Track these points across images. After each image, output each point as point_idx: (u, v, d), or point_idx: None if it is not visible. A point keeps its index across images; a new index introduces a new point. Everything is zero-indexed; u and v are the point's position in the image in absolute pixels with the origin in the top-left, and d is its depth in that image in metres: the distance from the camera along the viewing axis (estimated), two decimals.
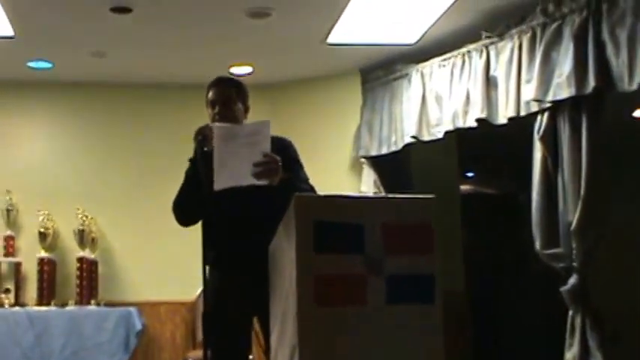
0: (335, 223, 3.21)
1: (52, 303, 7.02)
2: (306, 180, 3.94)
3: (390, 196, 4.01)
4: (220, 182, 3.64)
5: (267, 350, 3.77)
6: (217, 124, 3.85)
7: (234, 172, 3.63)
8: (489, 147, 7.84)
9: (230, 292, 3.91)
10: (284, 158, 3.68)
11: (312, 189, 3.88)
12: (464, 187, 8.62)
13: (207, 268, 3.94)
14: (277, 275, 3.51)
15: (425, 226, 3.27)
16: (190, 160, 3.99)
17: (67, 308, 6.97)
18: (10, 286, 7.11)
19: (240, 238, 3.89)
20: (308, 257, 3.15)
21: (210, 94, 4.02)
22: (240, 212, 3.87)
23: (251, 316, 3.99)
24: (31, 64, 6.99)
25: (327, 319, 3.13)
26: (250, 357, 4.10)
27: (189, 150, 3.96)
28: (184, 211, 4.00)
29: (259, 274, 3.67)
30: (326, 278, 3.16)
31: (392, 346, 3.16)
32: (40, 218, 7.18)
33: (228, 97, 3.99)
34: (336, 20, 6.04)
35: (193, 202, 3.93)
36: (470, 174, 9.99)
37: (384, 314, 3.16)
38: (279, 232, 3.42)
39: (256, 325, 4.05)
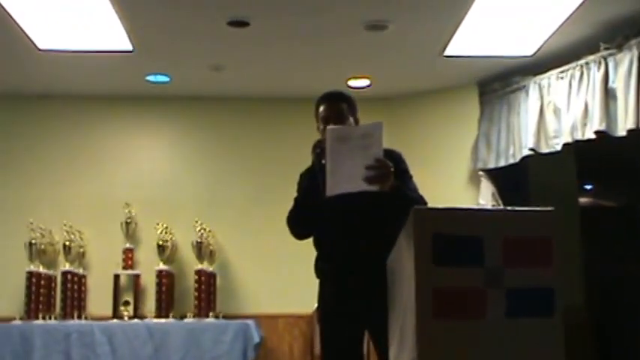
0: (454, 236, 3.24)
1: (171, 315, 7.22)
2: (415, 190, 3.98)
3: (510, 208, 4.03)
4: (332, 188, 3.67)
5: None
6: (331, 126, 3.91)
7: (346, 177, 3.64)
8: (608, 159, 7.73)
9: (341, 309, 3.96)
10: (394, 167, 3.73)
11: (421, 199, 3.91)
12: (582, 200, 8.50)
13: (320, 280, 4.08)
14: (396, 288, 3.57)
15: (545, 239, 3.28)
16: (302, 175, 4.10)
17: (186, 320, 7.16)
18: (130, 298, 7.36)
19: (352, 251, 3.95)
20: (427, 270, 3.20)
21: (321, 109, 4.06)
22: (352, 224, 3.94)
23: (363, 330, 4.05)
24: (150, 78, 7.27)
25: (445, 333, 3.17)
26: None
27: (305, 163, 4.06)
28: (299, 223, 4.07)
29: (372, 289, 3.74)
30: (445, 291, 3.20)
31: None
32: (159, 231, 7.42)
33: (340, 111, 4.03)
34: (453, 32, 6.10)
35: (308, 215, 4.03)
36: (588, 186, 9.82)
37: (503, 328, 3.18)
38: (397, 245, 3.49)
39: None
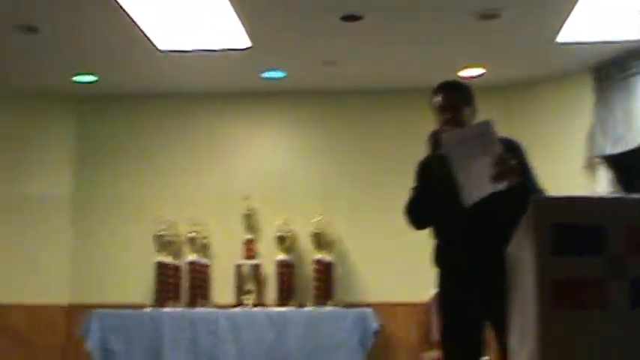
0: (574, 226, 3.11)
1: (291, 304, 7.25)
2: (536, 182, 3.84)
3: (632, 196, 3.87)
4: (468, 197, 3.59)
5: (503, 355, 3.73)
6: (446, 133, 3.76)
7: (476, 182, 3.57)
8: None
9: (463, 298, 3.88)
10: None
11: (543, 190, 3.79)
12: None
13: (440, 269, 4.00)
14: (516, 277, 3.46)
15: None
16: (419, 165, 4.02)
17: (305, 309, 7.18)
18: (252, 287, 7.42)
19: (473, 243, 3.85)
20: (546, 261, 3.08)
21: (438, 99, 3.93)
22: (474, 216, 3.84)
23: (483, 319, 3.95)
24: (266, 75, 7.30)
25: (567, 324, 3.04)
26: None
27: (419, 153, 4.01)
28: (418, 214, 4.00)
29: (493, 279, 3.63)
30: (565, 282, 3.08)
31: (636, 353, 3.04)
32: (278, 222, 7.46)
33: (457, 101, 3.91)
34: (566, 18, 5.91)
35: (426, 205, 3.95)
36: None
37: (627, 319, 3.04)
38: (516, 235, 3.37)
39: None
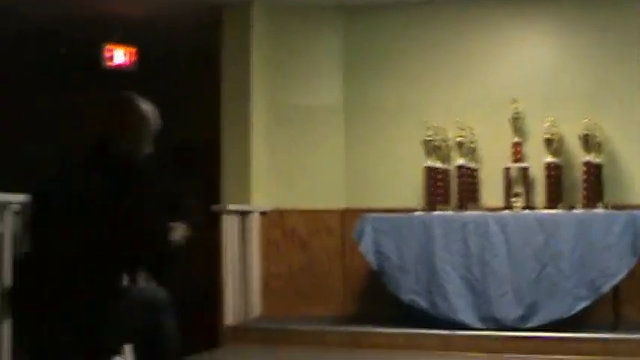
0: None
1: (560, 206, 7.16)
2: None
3: None
4: None
5: None
6: None
7: None
8: None
9: None
10: None
11: None
12: None
13: None
14: None
15: None
16: None
17: (574, 211, 7.05)
18: (520, 190, 7.38)
19: None
20: None
21: None
22: None
23: None
24: None
25: None
26: None
27: None
28: None
29: None
30: None
31: None
32: (546, 125, 7.35)
33: None
34: None
35: None
36: None
37: None
38: None
39: None
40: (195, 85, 9.13)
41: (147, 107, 3.71)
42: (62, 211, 3.35)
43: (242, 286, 7.50)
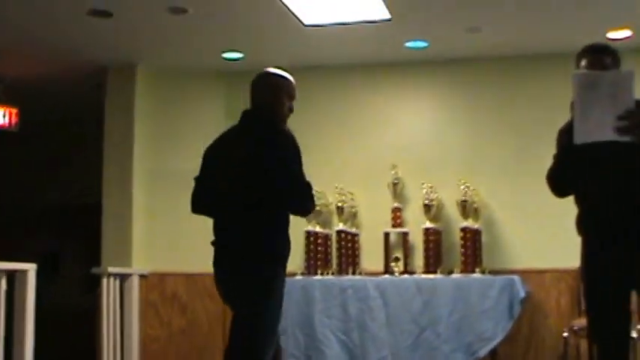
0: None
1: (439, 271, 7.15)
2: None
3: None
4: (581, 135, 3.40)
5: None
6: (578, 71, 3.65)
7: (595, 125, 3.37)
8: None
9: (607, 264, 3.72)
10: None
11: None
12: None
13: (583, 237, 3.85)
14: None
15: None
16: (561, 131, 3.86)
17: (453, 276, 7.06)
18: (399, 254, 7.36)
19: (616, 207, 3.68)
20: None
21: (584, 63, 3.76)
22: (616, 180, 3.66)
23: (630, 287, 3.76)
24: (409, 45, 7.18)
25: None
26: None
27: (563, 119, 3.82)
28: (558, 181, 3.88)
29: (636, 245, 3.46)
30: None
31: None
32: (425, 190, 7.37)
33: (604, 64, 3.72)
34: None
35: (567, 173, 3.81)
36: None
37: None
38: None
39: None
40: (78, 146, 8.90)
41: None
42: None
43: (120, 349, 7.24)
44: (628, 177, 3.61)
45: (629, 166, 3.55)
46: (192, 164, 7.81)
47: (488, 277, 6.97)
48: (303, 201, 4.20)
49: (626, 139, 3.35)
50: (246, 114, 4.39)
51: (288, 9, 6.21)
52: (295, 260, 7.32)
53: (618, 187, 3.66)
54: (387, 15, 6.31)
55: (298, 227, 7.27)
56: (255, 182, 4.11)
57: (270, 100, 4.34)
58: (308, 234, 7.45)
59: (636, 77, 3.49)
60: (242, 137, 4.30)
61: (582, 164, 3.70)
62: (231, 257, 4.21)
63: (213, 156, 4.41)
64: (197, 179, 4.47)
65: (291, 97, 4.39)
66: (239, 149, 4.22)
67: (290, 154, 4.14)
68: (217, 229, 4.34)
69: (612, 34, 6.69)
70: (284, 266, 4.28)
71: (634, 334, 5.31)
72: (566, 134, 3.74)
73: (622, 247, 3.66)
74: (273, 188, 4.09)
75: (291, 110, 4.39)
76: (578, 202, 3.90)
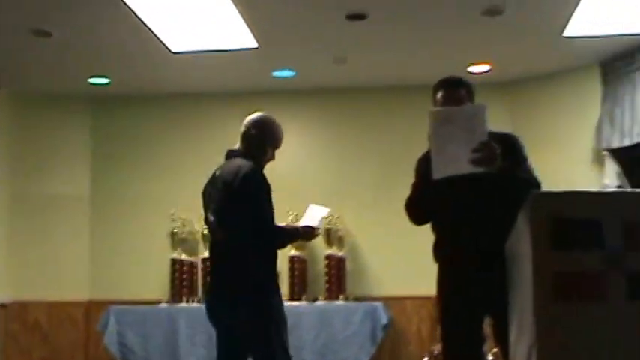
0: (573, 220, 3.03)
1: (303, 298, 7.21)
2: (529, 171, 3.78)
3: (629, 190, 3.78)
4: (439, 171, 3.53)
5: (502, 350, 3.67)
6: (434, 108, 3.76)
7: (452, 160, 3.50)
8: None
9: (460, 291, 3.82)
10: (507, 150, 3.56)
11: (534, 180, 3.72)
12: None
13: (439, 265, 3.94)
14: (515, 272, 3.39)
15: None
16: (419, 160, 3.95)
17: (317, 303, 7.14)
18: None
19: (471, 236, 3.78)
20: (545, 254, 3.00)
21: (439, 95, 3.85)
22: (471, 210, 3.77)
23: (483, 314, 3.87)
24: (276, 74, 7.24)
25: (565, 316, 2.97)
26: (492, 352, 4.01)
27: (422, 149, 3.92)
28: (415, 210, 3.97)
29: (492, 271, 3.56)
30: (564, 275, 3.00)
31: (633, 344, 2.96)
32: (290, 219, 7.39)
33: (458, 97, 3.81)
34: (572, 12, 5.80)
35: (423, 202, 3.90)
36: None
37: (624, 311, 2.97)
38: (516, 229, 3.30)
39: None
40: None
41: None
42: None
43: None
44: (482, 203, 3.72)
45: (485, 193, 3.67)
46: (56, 189, 7.75)
47: (352, 303, 7.08)
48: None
49: (480, 170, 3.48)
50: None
51: (155, 36, 6.15)
52: (161, 288, 7.30)
53: (473, 214, 3.77)
54: (254, 44, 6.35)
55: (163, 255, 7.26)
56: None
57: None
58: (173, 262, 7.36)
59: (491, 109, 3.65)
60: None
61: (439, 192, 3.78)
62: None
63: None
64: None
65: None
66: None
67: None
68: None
69: (473, 68, 6.94)
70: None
71: (489, 358, 5.49)
72: (424, 162, 3.83)
73: (477, 275, 3.75)
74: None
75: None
76: (435, 229, 3.99)
